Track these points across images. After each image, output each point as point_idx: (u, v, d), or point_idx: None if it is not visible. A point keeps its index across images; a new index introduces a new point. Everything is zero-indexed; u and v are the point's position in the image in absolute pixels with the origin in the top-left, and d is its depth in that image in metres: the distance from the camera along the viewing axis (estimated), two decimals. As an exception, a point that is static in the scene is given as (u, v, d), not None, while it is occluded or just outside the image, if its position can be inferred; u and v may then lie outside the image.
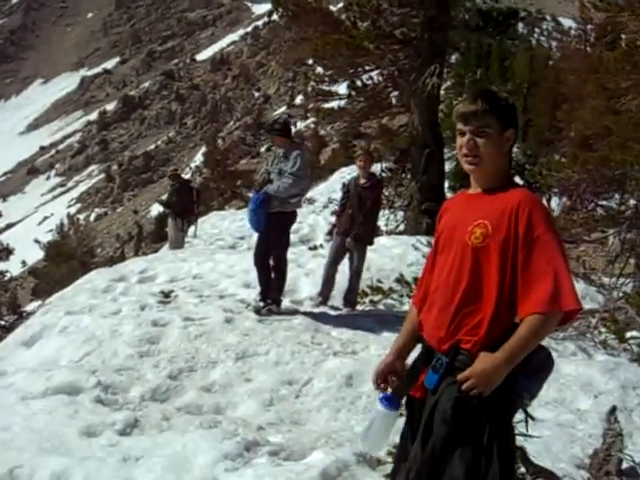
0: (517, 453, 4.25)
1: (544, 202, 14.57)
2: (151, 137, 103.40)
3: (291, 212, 9.17)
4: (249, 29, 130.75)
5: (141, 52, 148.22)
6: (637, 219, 9.94)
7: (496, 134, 3.18)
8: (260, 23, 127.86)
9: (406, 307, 8.94)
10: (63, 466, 4.87)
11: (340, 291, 9.96)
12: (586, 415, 6.47)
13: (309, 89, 18.52)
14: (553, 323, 3.04)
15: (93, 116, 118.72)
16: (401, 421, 3.42)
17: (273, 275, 9.19)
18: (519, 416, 3.35)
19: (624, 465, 4.93)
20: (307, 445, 5.42)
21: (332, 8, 16.45)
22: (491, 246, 3.09)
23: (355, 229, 9.58)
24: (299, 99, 77.62)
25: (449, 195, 15.08)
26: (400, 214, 16.61)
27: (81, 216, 75.28)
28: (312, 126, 62.63)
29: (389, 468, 3.57)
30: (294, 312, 9.32)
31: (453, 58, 18.86)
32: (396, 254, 12.42)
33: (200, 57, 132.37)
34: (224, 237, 19.48)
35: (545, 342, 3.16)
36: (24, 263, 59.22)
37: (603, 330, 8.91)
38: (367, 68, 16.15)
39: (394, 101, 17.72)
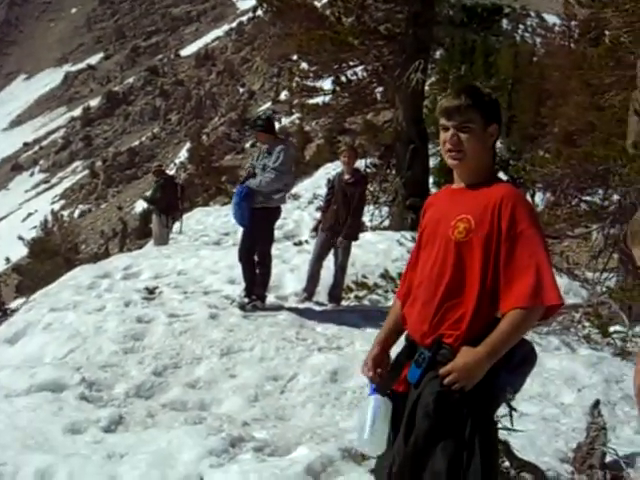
0: (501, 447, 4.26)
1: (528, 197, 14.62)
2: (135, 133, 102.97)
3: (275, 208, 9.16)
4: (234, 25, 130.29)
5: (125, 48, 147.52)
6: (620, 214, 9.98)
7: (479, 129, 3.18)
8: (245, 19, 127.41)
9: (391, 302, 8.97)
10: (47, 463, 4.84)
11: (325, 287, 9.98)
12: (570, 409, 6.50)
13: (294, 85, 18.46)
14: (535, 318, 3.05)
15: (77, 112, 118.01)
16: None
17: (257, 271, 9.19)
18: (503, 410, 3.36)
19: (607, 458, 4.96)
20: (292, 441, 5.42)
21: (316, 4, 16.44)
22: (474, 241, 3.10)
23: (345, 228, 9.59)
24: (284, 95, 77.39)
25: (434, 191, 15.09)
26: (385, 210, 16.62)
27: (65, 212, 74.96)
28: (297, 122, 62.49)
29: (374, 463, 3.57)
30: (279, 308, 9.32)
31: (437, 54, 18.88)
32: (381, 250, 12.44)
33: (184, 53, 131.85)
34: (209, 233, 19.44)
35: (529, 336, 3.18)
36: (8, 260, 58.90)
37: (587, 324, 8.96)
38: (352, 64, 16.15)
39: (379, 97, 17.73)
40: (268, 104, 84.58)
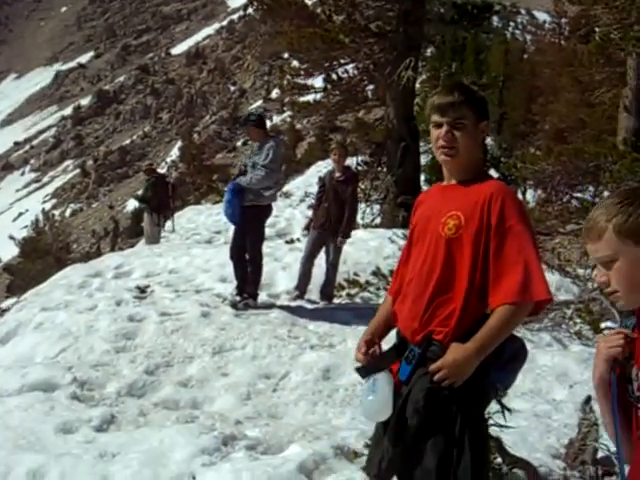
0: (493, 443, 4.28)
1: (519, 194, 14.65)
2: (126, 132, 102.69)
3: (266, 205, 9.16)
4: (224, 23, 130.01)
5: (116, 46, 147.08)
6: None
7: (472, 125, 3.20)
8: (235, 17, 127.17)
9: (382, 300, 8.97)
10: (39, 463, 4.83)
11: (317, 285, 9.98)
12: (562, 405, 6.52)
13: (285, 83, 18.44)
14: (524, 313, 3.06)
15: (68, 111, 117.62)
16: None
17: (249, 269, 9.18)
18: (495, 407, 3.37)
19: (599, 454, 4.97)
20: (284, 439, 5.42)
21: (307, 1, 16.38)
22: (464, 237, 3.10)
23: (343, 227, 9.60)
24: (275, 93, 77.27)
25: (425, 188, 15.11)
26: (376, 207, 16.63)
27: (56, 212, 74.67)
28: (288, 120, 62.43)
29: (365, 460, 3.57)
30: (271, 306, 9.33)
31: (428, 51, 18.91)
32: (372, 247, 12.44)
33: (175, 51, 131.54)
34: (200, 232, 19.41)
35: (520, 333, 3.19)
36: (-1, 260, 58.73)
37: (578, 321, 8.98)
38: (342, 61, 16.15)
39: (370, 94, 17.75)
40: (259, 102, 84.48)
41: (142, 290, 10.00)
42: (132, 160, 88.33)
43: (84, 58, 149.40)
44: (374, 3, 15.31)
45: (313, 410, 6.39)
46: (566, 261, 11.17)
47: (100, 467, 4.85)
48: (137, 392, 6.65)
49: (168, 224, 17.32)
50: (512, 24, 72.93)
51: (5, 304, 23.12)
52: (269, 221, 10.19)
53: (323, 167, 28.27)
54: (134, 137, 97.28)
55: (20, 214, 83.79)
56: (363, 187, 15.76)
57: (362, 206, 15.65)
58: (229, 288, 9.73)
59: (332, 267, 9.85)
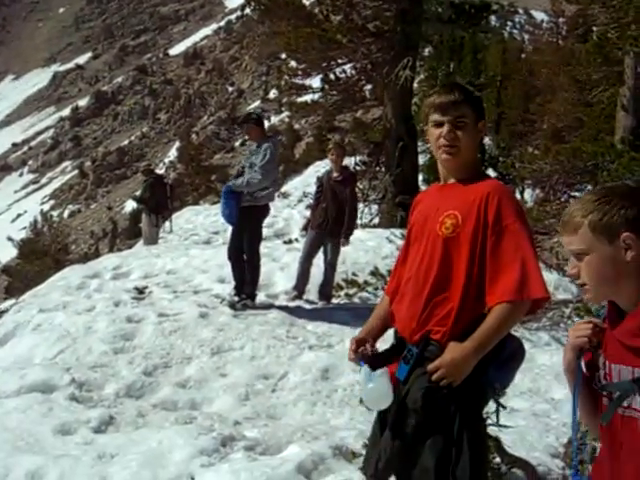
0: (492, 443, 4.28)
1: (517, 194, 14.65)
2: (124, 133, 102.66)
3: (263, 206, 9.16)
4: (222, 23, 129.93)
5: (113, 47, 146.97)
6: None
7: (472, 124, 3.21)
8: (233, 17, 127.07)
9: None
10: (38, 464, 4.83)
11: (315, 285, 9.97)
12: (560, 404, 6.52)
13: (283, 83, 18.46)
14: (521, 312, 3.06)
15: (66, 112, 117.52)
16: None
17: (247, 269, 9.17)
18: (494, 406, 3.37)
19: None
20: (283, 439, 5.42)
21: (304, 1, 16.38)
22: (461, 236, 3.10)
23: (345, 228, 9.61)
24: (273, 93, 77.18)
25: (423, 188, 15.11)
26: (374, 207, 16.64)
27: (55, 213, 74.71)
28: (286, 120, 62.50)
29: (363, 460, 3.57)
30: (269, 306, 9.31)
31: (426, 51, 18.91)
32: (371, 247, 12.43)
33: (173, 52, 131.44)
34: (198, 232, 19.39)
35: (519, 332, 3.19)
36: (-3, 261, 58.67)
37: (576, 320, 8.97)
38: (340, 61, 16.16)
39: (367, 94, 17.77)
40: (257, 102, 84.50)
41: (140, 291, 9.99)
42: (130, 161, 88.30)
43: (82, 59, 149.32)
44: (371, 3, 15.32)
45: (312, 410, 6.39)
46: (564, 260, 11.17)
47: (99, 468, 4.84)
48: (135, 393, 6.64)
49: (166, 225, 17.30)
50: (510, 23, 73.03)
51: (3, 305, 23.10)
52: (267, 221, 10.17)
53: (321, 167, 28.27)
54: (132, 138, 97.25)
55: (18, 215, 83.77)
56: (361, 187, 15.76)
57: (360, 206, 15.64)
58: (227, 289, 9.72)
59: (330, 267, 9.84)
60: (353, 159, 16.96)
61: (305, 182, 29.26)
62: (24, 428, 5.53)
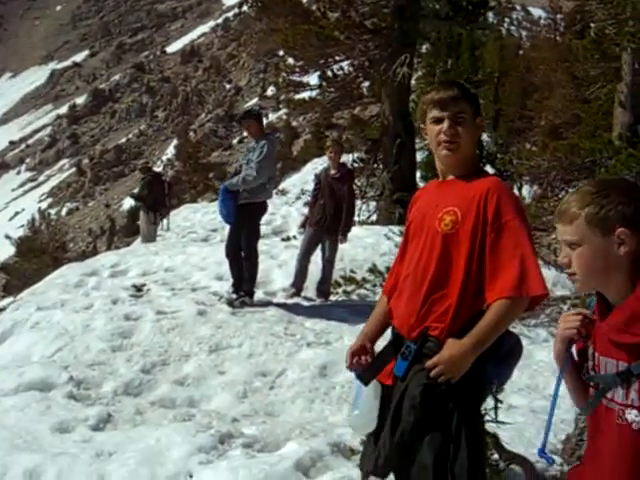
0: (490, 439, 4.28)
1: (515, 190, 14.64)
2: (122, 130, 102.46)
3: (261, 203, 9.16)
4: (219, 21, 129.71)
5: (111, 45, 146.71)
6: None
7: (471, 120, 3.21)
8: (231, 14, 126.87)
9: (379, 296, 8.97)
10: (36, 463, 4.83)
11: (313, 282, 9.97)
12: (558, 401, 6.51)
13: (280, 80, 18.47)
14: (520, 308, 3.06)
15: (63, 110, 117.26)
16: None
17: (245, 267, 9.17)
18: (492, 403, 3.37)
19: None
20: (281, 436, 5.42)
21: (302, -2, 16.38)
22: (460, 233, 3.10)
23: (342, 225, 9.61)
24: (270, 90, 77.04)
25: (421, 185, 15.10)
26: (372, 204, 16.63)
27: (52, 211, 74.57)
28: (284, 117, 62.40)
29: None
30: (267, 304, 9.32)
31: (424, 48, 18.87)
32: (369, 244, 12.43)
33: (170, 49, 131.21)
34: (196, 230, 19.41)
35: (517, 329, 3.19)
36: (-5, 259, 58.63)
37: (574, 317, 8.97)
38: (338, 58, 16.15)
39: (365, 91, 17.76)
40: (255, 100, 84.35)
41: (138, 289, 9.99)
42: (128, 159, 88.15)
43: (79, 57, 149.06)
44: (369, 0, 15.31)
45: (310, 407, 6.39)
46: (562, 257, 11.18)
47: (97, 466, 4.84)
48: (133, 391, 6.64)
49: (164, 222, 17.30)
50: (507, 20, 72.97)
51: (1, 303, 23.07)
52: (265, 219, 10.17)
53: (319, 164, 28.27)
54: (130, 135, 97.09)
55: (16, 213, 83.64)
56: (359, 184, 15.76)
57: (358, 203, 15.65)
58: (225, 286, 9.72)
59: (328, 264, 9.84)
60: (351, 156, 16.95)
61: (303, 179, 29.27)
62: (22, 426, 5.52)
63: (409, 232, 3.41)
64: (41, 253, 33.92)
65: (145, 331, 7.99)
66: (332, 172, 9.78)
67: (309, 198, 11.58)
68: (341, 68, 16.58)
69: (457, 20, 15.74)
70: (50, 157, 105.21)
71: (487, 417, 3.47)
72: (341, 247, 10.10)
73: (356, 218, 15.59)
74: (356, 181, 13.52)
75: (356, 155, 17.56)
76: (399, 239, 10.77)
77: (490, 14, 23.42)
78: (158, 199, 16.58)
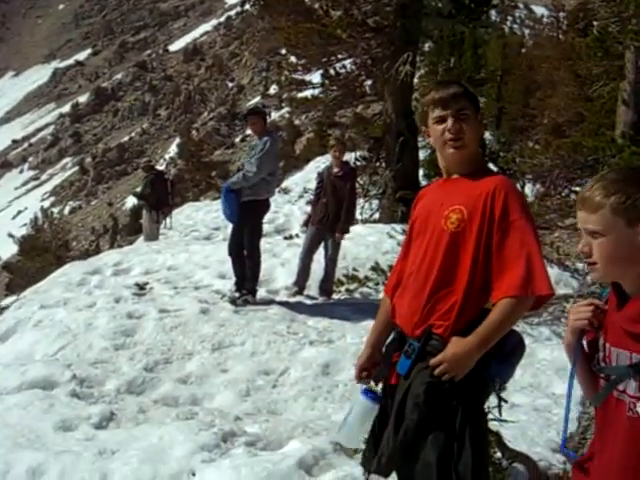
0: (493, 438, 4.27)
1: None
2: (125, 129, 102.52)
3: (263, 200, 9.16)
4: (222, 19, 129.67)
5: (113, 43, 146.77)
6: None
7: (473, 116, 3.21)
8: (233, 13, 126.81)
9: (382, 295, 8.97)
10: (39, 461, 4.83)
11: (316, 280, 9.98)
12: (561, 399, 6.51)
13: (283, 79, 18.47)
14: (525, 307, 3.05)
15: (66, 108, 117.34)
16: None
17: (247, 265, 9.17)
18: (495, 401, 3.36)
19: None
20: (284, 435, 5.42)
21: (304, -3, 16.36)
22: (466, 231, 3.09)
23: (341, 223, 9.60)
24: (273, 89, 77.03)
25: (424, 183, 15.09)
26: (375, 203, 16.61)
27: (55, 209, 74.65)
28: (286, 116, 62.41)
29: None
30: (270, 302, 9.32)
31: (426, 46, 18.86)
32: (371, 242, 12.43)
33: (173, 48, 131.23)
34: (199, 228, 19.41)
35: (520, 327, 3.18)
36: (-2, 258, 58.71)
37: (577, 315, 8.96)
38: (340, 57, 16.13)
39: (368, 90, 17.73)
40: (257, 98, 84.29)
41: (141, 287, 9.99)
42: (130, 157, 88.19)
43: (82, 55, 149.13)
44: (371, -3, 15.30)
45: (312, 406, 6.39)
46: (565, 255, 11.16)
47: (100, 464, 4.84)
48: (136, 389, 6.65)
49: (167, 221, 17.31)
50: (510, 18, 72.86)
51: (4, 302, 23.10)
52: (268, 217, 10.18)
53: (322, 163, 28.26)
54: (132, 134, 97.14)
55: (19, 212, 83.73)
56: (362, 182, 15.74)
57: (361, 201, 15.64)
58: (228, 284, 9.72)
59: (331, 262, 9.84)
60: (353, 154, 16.93)
61: (305, 178, 29.26)
62: (25, 424, 5.53)
63: (413, 230, 3.40)
64: (44, 252, 33.93)
65: (148, 329, 8.00)
66: (335, 170, 9.78)
67: (312, 196, 11.58)
68: (344, 66, 16.57)
69: (460, 18, 15.72)
70: (53, 156, 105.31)
71: (490, 415, 3.46)
72: (344, 245, 10.11)
73: (359, 216, 15.61)
74: (358, 179, 13.51)
75: (358, 153, 17.54)
76: (402, 237, 10.77)
77: (493, 12, 23.40)
78: (161, 198, 16.59)
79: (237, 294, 9.12)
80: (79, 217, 71.55)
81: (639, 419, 2.21)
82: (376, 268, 10.28)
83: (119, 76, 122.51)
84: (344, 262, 10.69)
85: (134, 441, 5.21)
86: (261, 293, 9.56)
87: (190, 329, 7.99)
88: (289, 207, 21.77)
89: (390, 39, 15.05)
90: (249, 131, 10.28)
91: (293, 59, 17.60)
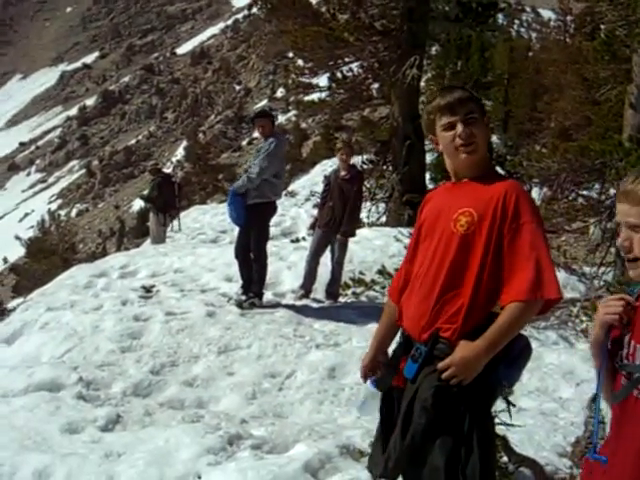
0: (500, 442, 4.26)
1: (525, 192, 14.57)
2: (132, 132, 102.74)
3: (270, 203, 9.15)
4: (229, 22, 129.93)
5: (121, 46, 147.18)
6: (617, 208, 9.99)
7: (481, 119, 3.20)
8: (240, 16, 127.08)
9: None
10: (45, 463, 4.84)
11: (322, 284, 9.97)
12: (568, 403, 6.50)
13: (290, 82, 18.49)
14: (533, 311, 3.04)
15: (73, 111, 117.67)
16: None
17: (254, 268, 9.17)
18: (502, 405, 3.35)
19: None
20: (290, 438, 5.42)
21: (311, 0, 16.37)
22: (476, 234, 3.09)
23: (343, 225, 9.59)
24: (280, 92, 77.12)
25: (430, 187, 15.09)
26: (382, 206, 16.61)
27: (62, 212, 74.88)
28: (293, 119, 62.49)
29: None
30: (276, 305, 9.32)
31: (433, 50, 18.86)
32: (378, 246, 12.42)
33: (180, 51, 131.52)
34: (206, 231, 19.42)
35: (527, 331, 3.17)
36: (5, 260, 58.77)
37: (584, 319, 8.95)
38: (347, 60, 16.15)
39: (375, 93, 17.74)
40: (264, 101, 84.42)
41: (147, 290, 9.99)
42: (137, 160, 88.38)
43: (89, 58, 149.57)
44: (378, 1, 15.32)
45: (319, 409, 6.38)
46: (572, 259, 11.16)
47: (106, 467, 4.85)
48: (143, 392, 6.65)
49: (174, 224, 17.33)
50: (517, 22, 72.92)
51: (11, 304, 23.14)
52: (274, 220, 10.16)
53: (328, 166, 28.27)
54: (139, 137, 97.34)
55: (26, 214, 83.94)
56: (368, 186, 15.75)
57: (367, 205, 15.65)
58: (234, 287, 9.72)
59: (338, 266, 9.84)
60: (360, 158, 16.93)
61: (312, 181, 29.26)
62: (31, 427, 5.53)
63: (420, 233, 3.39)
64: (51, 254, 34.05)
65: (154, 332, 8.00)
66: (342, 174, 9.77)
67: (318, 200, 11.58)
68: (350, 70, 16.58)
69: (467, 22, 15.73)
70: (60, 158, 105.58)
71: (496, 419, 3.46)
72: (350, 249, 10.10)
73: (365, 220, 15.61)
74: (365, 183, 13.51)
75: (365, 157, 17.53)
76: (408, 241, 10.78)
77: (500, 16, 23.38)
78: (168, 200, 16.62)
79: (243, 297, 9.12)
80: (86, 220, 71.68)
81: None
82: (383, 271, 10.27)
83: (126, 79, 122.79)
84: (351, 265, 10.68)
85: (140, 444, 5.21)
86: (267, 296, 9.56)
87: (196, 332, 7.99)
88: (296, 210, 21.76)
89: (397, 42, 15.06)
90: (256, 134, 10.33)
91: (300, 62, 17.63)
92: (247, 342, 7.74)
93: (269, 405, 6.43)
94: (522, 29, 72.77)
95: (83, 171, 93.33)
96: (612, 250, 10.43)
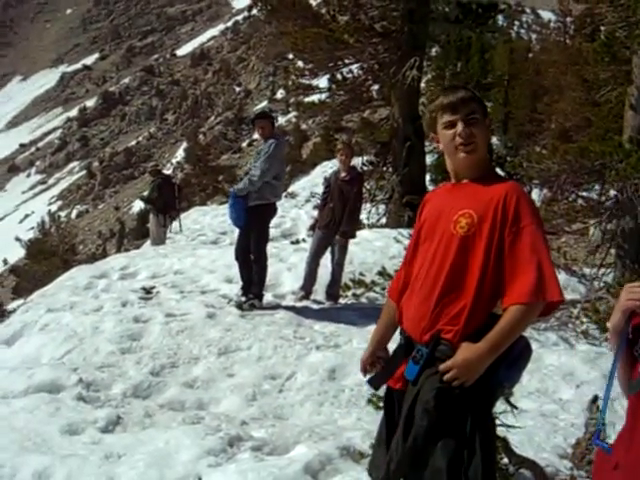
0: (500, 443, 4.26)
1: (525, 194, 14.57)
2: (132, 133, 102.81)
3: (270, 204, 9.16)
4: (229, 24, 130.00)
5: (121, 48, 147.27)
6: (617, 209, 9.99)
7: (482, 120, 3.20)
8: (240, 18, 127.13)
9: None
10: (45, 464, 4.83)
11: (322, 285, 9.97)
12: (568, 405, 6.50)
13: (290, 83, 18.47)
14: (535, 313, 3.03)
15: (73, 113, 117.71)
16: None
17: (254, 269, 9.17)
18: (503, 407, 3.35)
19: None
20: (290, 439, 5.41)
21: (311, 2, 16.38)
22: (476, 235, 3.08)
23: (342, 226, 9.59)
24: (280, 93, 77.08)
25: (430, 188, 15.08)
26: (382, 207, 16.61)
27: (62, 213, 74.93)
28: (293, 120, 62.51)
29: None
30: (276, 306, 9.31)
31: (433, 51, 18.88)
32: (378, 247, 12.42)
33: (180, 52, 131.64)
34: (206, 232, 19.41)
35: (527, 332, 3.17)
36: (5, 262, 58.84)
37: (585, 320, 8.95)
38: (347, 61, 16.15)
39: (375, 94, 17.73)
40: (264, 103, 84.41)
41: (148, 291, 9.99)
42: (138, 161, 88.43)
43: (89, 60, 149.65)
44: (378, 3, 15.30)
45: (319, 411, 6.38)
46: (572, 260, 11.15)
47: (106, 468, 4.84)
48: (143, 393, 6.65)
49: (174, 225, 17.33)
50: (517, 23, 72.93)
51: (11, 305, 23.15)
52: (274, 222, 10.16)
53: (328, 167, 28.29)
54: (140, 138, 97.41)
55: (26, 216, 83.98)
56: (368, 187, 15.75)
57: (367, 206, 15.65)
58: (235, 289, 9.72)
59: (338, 267, 9.84)
60: (360, 159, 16.93)
61: (312, 182, 29.27)
62: (31, 428, 5.53)
63: (420, 234, 3.39)
64: (51, 255, 34.04)
65: (154, 334, 8.00)
66: (342, 175, 9.77)
67: (318, 201, 11.58)
68: (350, 71, 16.58)
69: (467, 23, 15.74)
70: (60, 160, 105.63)
71: (497, 421, 3.46)
72: (350, 250, 10.10)
73: (365, 221, 15.60)
74: (365, 184, 13.51)
75: (365, 158, 17.54)
76: (408, 242, 10.78)
77: (500, 17, 23.38)
78: (168, 202, 16.62)
79: (244, 298, 9.12)
80: (86, 221, 71.70)
81: None
82: (383, 273, 10.28)
83: (126, 80, 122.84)
84: (351, 267, 10.68)
85: (140, 445, 5.20)
86: (268, 298, 9.55)
87: (196, 333, 7.99)
88: (296, 211, 21.76)
89: (397, 44, 15.06)
90: (256, 135, 10.34)
91: (300, 64, 17.62)
92: (247, 343, 7.74)
93: (269, 406, 6.43)
94: (522, 30, 72.80)
95: (83, 172, 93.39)
96: (612, 251, 10.44)
